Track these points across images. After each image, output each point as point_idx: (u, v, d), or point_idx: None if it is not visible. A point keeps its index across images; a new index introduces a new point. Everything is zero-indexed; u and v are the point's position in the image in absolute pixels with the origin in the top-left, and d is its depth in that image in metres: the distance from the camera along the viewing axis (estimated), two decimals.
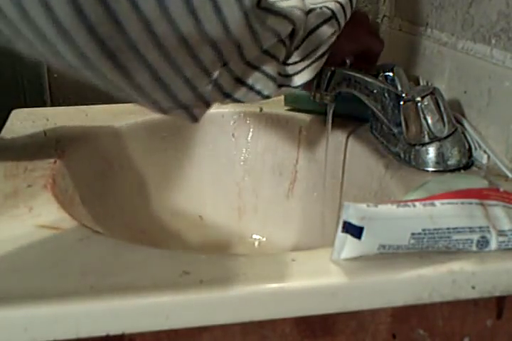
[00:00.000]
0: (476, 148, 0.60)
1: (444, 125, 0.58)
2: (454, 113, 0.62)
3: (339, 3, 0.55)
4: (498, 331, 0.44)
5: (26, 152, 0.63)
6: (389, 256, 0.42)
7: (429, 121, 0.58)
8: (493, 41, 0.59)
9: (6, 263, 0.41)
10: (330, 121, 0.66)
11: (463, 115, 0.63)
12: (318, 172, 0.72)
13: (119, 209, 0.69)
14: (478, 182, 0.51)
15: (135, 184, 0.73)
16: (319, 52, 0.54)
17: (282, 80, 0.52)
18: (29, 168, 0.59)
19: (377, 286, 0.40)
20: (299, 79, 0.53)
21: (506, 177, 0.55)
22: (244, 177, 0.79)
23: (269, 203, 0.79)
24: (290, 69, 0.53)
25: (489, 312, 0.43)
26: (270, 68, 0.50)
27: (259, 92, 0.50)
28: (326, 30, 0.53)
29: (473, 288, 0.41)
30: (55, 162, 0.60)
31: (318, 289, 0.39)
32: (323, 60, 0.55)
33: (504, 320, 0.44)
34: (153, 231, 0.71)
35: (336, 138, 0.71)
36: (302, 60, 0.53)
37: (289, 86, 0.53)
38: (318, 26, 0.53)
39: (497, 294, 0.42)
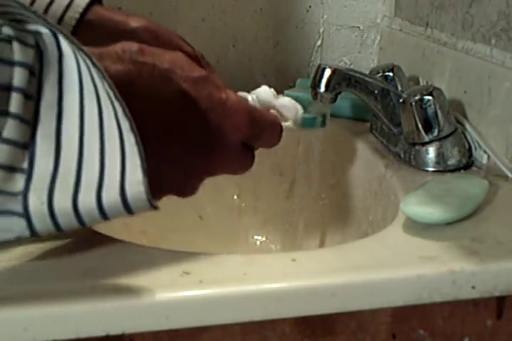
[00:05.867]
0: (476, 148, 0.60)
1: (444, 125, 0.58)
2: (454, 113, 0.62)
3: None
4: (498, 331, 0.44)
5: None
6: (389, 255, 0.42)
7: (429, 121, 0.58)
8: (493, 41, 0.59)
9: (6, 264, 0.41)
10: (328, 121, 0.66)
11: (463, 115, 0.63)
12: (318, 172, 0.72)
13: None
14: (477, 182, 0.51)
15: None
16: None
17: None
18: None
19: (377, 286, 0.40)
20: None
21: (506, 177, 0.55)
22: (245, 177, 0.79)
23: (269, 203, 0.79)
24: None
25: (489, 312, 0.43)
26: None
27: None
28: None
29: (473, 288, 0.41)
30: None
31: (318, 289, 0.39)
32: None
33: (504, 320, 0.44)
34: (153, 231, 0.71)
35: (336, 138, 0.71)
36: None
37: None
38: None
39: (497, 294, 0.42)
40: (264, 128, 0.43)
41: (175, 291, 0.38)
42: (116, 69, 0.36)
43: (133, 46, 0.38)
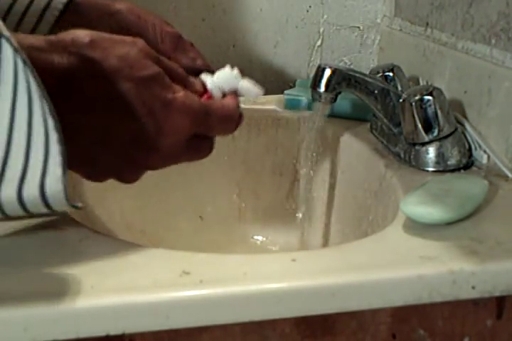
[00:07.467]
0: (476, 148, 0.60)
1: (444, 125, 0.58)
2: (454, 113, 0.62)
3: None
4: (498, 331, 0.44)
5: None
6: (389, 255, 0.42)
7: (429, 121, 0.58)
8: (493, 41, 0.59)
9: (6, 263, 0.41)
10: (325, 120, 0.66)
11: (463, 115, 0.63)
12: (319, 172, 0.72)
13: (119, 209, 0.69)
14: (477, 182, 0.51)
15: (135, 184, 0.73)
16: None
17: None
18: None
19: (377, 286, 0.40)
20: None
21: (506, 177, 0.55)
22: (244, 177, 0.79)
23: (269, 203, 0.79)
24: None
25: (489, 312, 0.43)
26: None
27: None
28: None
29: (473, 288, 0.41)
30: None
31: (318, 289, 0.39)
32: None
33: (504, 320, 0.44)
34: (153, 231, 0.71)
35: (336, 138, 0.71)
36: None
37: None
38: None
39: (497, 294, 0.42)
40: (216, 122, 0.43)
41: (175, 291, 0.38)
42: (59, 63, 0.37)
43: (84, 37, 0.38)
